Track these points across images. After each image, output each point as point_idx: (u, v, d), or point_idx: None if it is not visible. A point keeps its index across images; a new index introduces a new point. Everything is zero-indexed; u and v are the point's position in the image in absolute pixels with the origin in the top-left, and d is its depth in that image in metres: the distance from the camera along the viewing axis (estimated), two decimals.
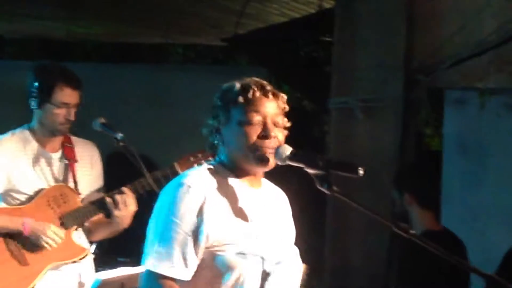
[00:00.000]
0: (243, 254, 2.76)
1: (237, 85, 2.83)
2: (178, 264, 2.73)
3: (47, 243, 4.23)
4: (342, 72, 5.09)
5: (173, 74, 8.19)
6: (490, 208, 5.49)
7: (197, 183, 2.78)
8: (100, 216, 4.39)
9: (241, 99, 2.79)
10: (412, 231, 2.74)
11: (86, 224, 4.44)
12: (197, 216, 2.73)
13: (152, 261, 2.73)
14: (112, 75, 7.95)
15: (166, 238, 2.74)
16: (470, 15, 4.71)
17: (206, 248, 2.74)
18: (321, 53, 8.96)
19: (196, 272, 2.76)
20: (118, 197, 4.28)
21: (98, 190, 4.49)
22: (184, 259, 2.73)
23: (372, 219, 2.67)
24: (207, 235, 2.73)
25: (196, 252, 2.74)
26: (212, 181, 2.81)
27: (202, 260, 2.76)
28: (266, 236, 2.83)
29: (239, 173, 2.86)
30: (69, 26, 8.00)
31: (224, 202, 2.79)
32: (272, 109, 2.81)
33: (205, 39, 8.80)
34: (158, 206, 2.82)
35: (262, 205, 2.89)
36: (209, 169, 2.85)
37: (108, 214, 4.35)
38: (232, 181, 2.84)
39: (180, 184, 2.77)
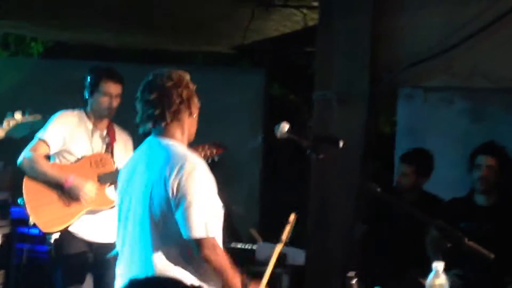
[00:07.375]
0: None
1: None
2: None
3: (82, 197, 4.23)
4: (322, 72, 5.05)
5: (196, 74, 8.11)
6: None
7: None
8: None
9: None
10: (378, 189, 2.72)
11: None
12: None
13: None
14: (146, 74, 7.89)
15: None
16: (420, 30, 4.70)
17: None
18: (305, 60, 8.90)
19: None
20: None
21: None
22: None
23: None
24: None
25: None
26: None
27: None
28: None
29: None
30: (117, 36, 7.95)
31: None
32: None
33: (219, 47, 8.76)
34: None
35: None
36: None
37: None
38: None
39: None
